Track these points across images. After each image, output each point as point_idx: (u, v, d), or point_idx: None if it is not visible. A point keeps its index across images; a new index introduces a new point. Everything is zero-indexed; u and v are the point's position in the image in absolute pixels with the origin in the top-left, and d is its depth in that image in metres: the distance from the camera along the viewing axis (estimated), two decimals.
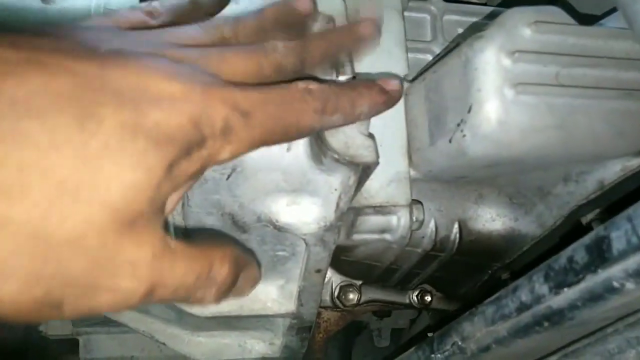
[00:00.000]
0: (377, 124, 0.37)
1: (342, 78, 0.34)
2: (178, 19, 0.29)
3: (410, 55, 0.49)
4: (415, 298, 0.62)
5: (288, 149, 0.39)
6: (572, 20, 0.35)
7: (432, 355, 0.42)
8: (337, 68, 0.34)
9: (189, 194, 0.40)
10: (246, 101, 0.24)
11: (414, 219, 0.44)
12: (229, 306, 0.52)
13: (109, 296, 0.21)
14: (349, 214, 0.44)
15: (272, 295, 0.52)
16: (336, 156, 0.36)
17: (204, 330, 0.60)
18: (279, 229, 0.43)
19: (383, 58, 0.45)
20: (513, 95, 0.32)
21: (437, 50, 0.51)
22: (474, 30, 0.37)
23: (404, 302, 0.62)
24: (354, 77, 0.34)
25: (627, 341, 0.26)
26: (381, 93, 0.30)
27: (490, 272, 0.53)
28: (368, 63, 0.44)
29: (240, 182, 0.40)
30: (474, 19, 0.51)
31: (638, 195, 0.35)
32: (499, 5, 0.54)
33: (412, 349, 0.48)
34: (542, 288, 0.27)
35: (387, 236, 0.46)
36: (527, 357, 0.34)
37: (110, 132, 0.20)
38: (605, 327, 0.27)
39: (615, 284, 0.23)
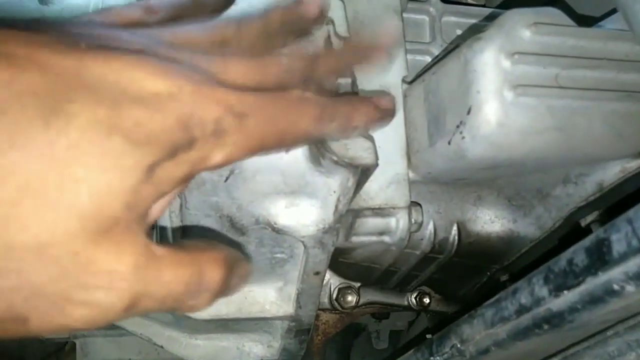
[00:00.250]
0: None
1: (341, 81, 0.33)
2: (179, 17, 0.27)
3: (409, 56, 0.49)
4: (413, 300, 0.62)
5: (286, 151, 0.38)
6: (571, 22, 0.35)
7: (431, 358, 0.42)
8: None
9: (187, 196, 0.39)
10: (241, 103, 0.22)
11: (413, 221, 0.44)
12: (227, 309, 0.52)
13: (84, 311, 0.19)
14: (348, 216, 0.44)
15: (271, 297, 0.52)
16: (335, 158, 0.36)
17: (201, 333, 0.60)
18: (278, 231, 0.43)
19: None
20: (512, 97, 0.32)
21: (436, 51, 0.51)
22: (473, 32, 0.37)
23: (402, 304, 0.62)
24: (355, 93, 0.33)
25: (627, 344, 0.25)
26: (376, 109, 0.29)
27: (489, 274, 0.53)
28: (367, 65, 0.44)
29: (238, 184, 0.39)
30: (473, 21, 0.51)
31: (638, 197, 0.35)
32: (498, 6, 0.54)
33: (410, 352, 0.47)
34: (542, 290, 0.27)
35: (386, 238, 0.46)
36: (526, 359, 0.34)
37: (80, 130, 0.18)
38: (605, 330, 0.27)
39: (616, 287, 0.22)
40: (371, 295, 0.61)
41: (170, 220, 0.41)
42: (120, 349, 0.69)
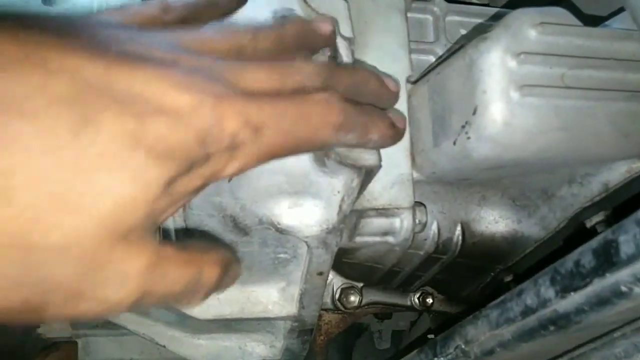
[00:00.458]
0: None
1: None
2: (193, 16, 0.28)
3: (413, 56, 0.49)
4: (416, 300, 0.61)
5: None
6: (577, 22, 0.35)
7: (435, 359, 0.42)
8: None
9: None
10: (259, 115, 0.23)
11: (417, 221, 0.44)
12: (230, 309, 0.52)
13: (94, 305, 0.21)
14: (352, 216, 0.44)
15: (274, 298, 0.52)
16: (339, 159, 0.36)
17: (204, 333, 0.60)
18: (281, 232, 0.43)
19: (386, 59, 0.45)
20: (519, 97, 0.32)
21: (440, 51, 0.50)
22: (478, 32, 0.36)
23: (405, 304, 0.62)
24: None
25: (634, 345, 0.25)
26: (391, 127, 0.30)
27: (492, 274, 0.53)
28: (371, 65, 0.44)
29: (242, 184, 0.39)
30: (477, 20, 0.51)
31: None
32: (502, 6, 0.54)
33: (414, 352, 0.47)
34: (548, 292, 0.27)
35: (390, 238, 0.45)
36: None
37: (108, 141, 0.19)
38: (612, 332, 0.26)
39: (624, 288, 0.22)
40: (374, 296, 0.61)
41: (173, 221, 0.41)
42: (122, 348, 0.69)
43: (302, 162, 0.38)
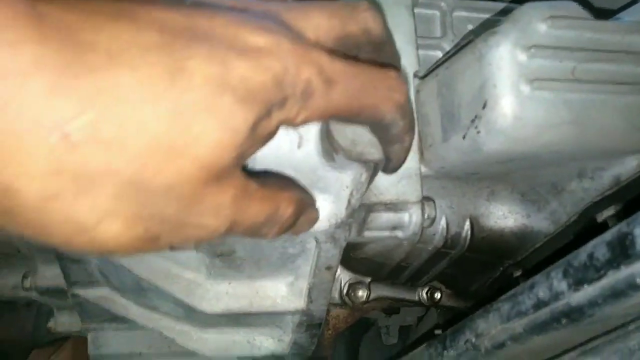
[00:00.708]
0: None
1: None
2: None
3: (421, 51, 0.49)
4: (424, 295, 0.62)
5: (299, 146, 0.38)
6: (587, 15, 0.34)
7: (445, 352, 0.42)
8: None
9: None
10: (332, 68, 0.24)
11: (426, 215, 0.44)
12: (238, 303, 0.52)
13: (197, 231, 0.24)
14: (360, 211, 0.44)
15: (282, 292, 0.52)
16: (347, 153, 0.36)
17: (212, 327, 0.60)
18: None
19: None
20: (529, 91, 0.32)
21: (447, 46, 0.50)
22: (486, 27, 0.36)
23: (413, 299, 0.62)
24: None
25: None
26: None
27: (501, 269, 0.53)
28: None
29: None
30: (485, 15, 0.51)
31: None
32: (510, 1, 0.54)
33: (423, 346, 0.47)
34: (561, 285, 0.27)
35: (399, 233, 0.45)
36: (542, 354, 0.34)
37: (199, 87, 0.21)
38: (627, 324, 0.26)
39: (639, 281, 0.22)
40: (382, 291, 0.61)
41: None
42: (132, 342, 0.69)
43: (311, 157, 0.38)
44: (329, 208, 0.41)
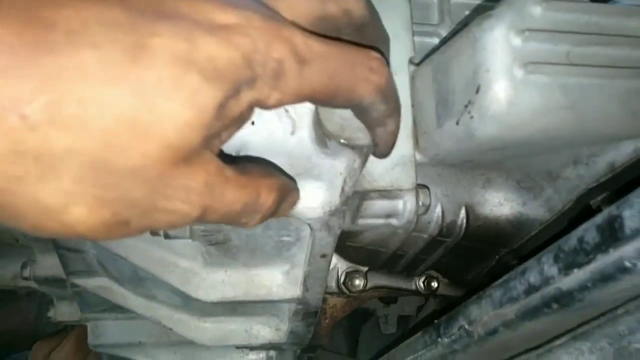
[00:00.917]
0: None
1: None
2: None
3: (418, 38, 0.49)
4: (421, 284, 0.61)
5: (292, 133, 0.38)
6: None
7: (439, 340, 0.42)
8: None
9: None
10: (306, 47, 0.23)
11: (420, 203, 0.44)
12: (234, 291, 0.52)
13: (167, 216, 0.23)
14: (354, 198, 0.44)
15: (278, 280, 0.52)
16: (342, 140, 0.36)
17: (210, 316, 0.60)
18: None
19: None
20: (523, 75, 0.32)
21: (445, 33, 0.50)
22: (481, 12, 0.36)
23: (410, 288, 0.62)
24: None
25: (637, 322, 0.25)
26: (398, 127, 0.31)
27: (497, 257, 0.52)
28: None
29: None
30: (481, 1, 0.50)
31: None
32: None
33: (418, 334, 0.47)
34: (552, 269, 0.27)
35: (393, 221, 0.45)
36: (534, 340, 0.34)
37: (164, 65, 0.20)
38: (615, 309, 0.26)
39: (627, 264, 0.22)
40: (379, 279, 0.61)
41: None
42: (131, 331, 0.70)
43: (304, 144, 0.38)
44: (323, 195, 0.40)
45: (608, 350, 0.27)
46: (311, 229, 0.44)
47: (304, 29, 0.24)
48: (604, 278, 0.24)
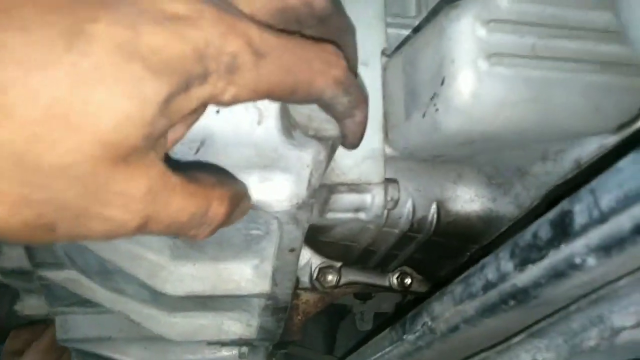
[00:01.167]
0: None
1: None
2: None
3: (395, 30, 0.48)
4: (395, 280, 0.61)
5: (259, 123, 0.37)
6: None
7: (404, 336, 0.41)
8: None
9: None
10: (262, 41, 0.22)
11: (389, 197, 0.43)
12: (202, 286, 0.51)
13: (102, 225, 0.21)
14: (322, 191, 0.43)
15: (247, 275, 0.51)
16: (307, 130, 0.35)
17: (179, 311, 0.59)
18: (252, 207, 0.42)
19: (361, 30, 0.43)
20: (487, 67, 0.31)
21: None
22: (450, 1, 0.35)
23: (384, 284, 0.62)
24: None
25: (589, 319, 0.25)
26: (367, 116, 0.30)
27: (468, 254, 0.52)
28: None
29: (209, 156, 0.38)
30: None
31: None
32: None
33: (386, 330, 0.47)
34: (508, 265, 0.26)
35: (362, 215, 0.45)
36: (495, 337, 0.34)
37: (102, 52, 0.18)
38: (569, 306, 0.26)
39: (577, 260, 0.22)
40: (352, 275, 0.61)
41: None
42: (101, 326, 0.68)
43: (271, 135, 0.37)
44: (290, 188, 0.40)
45: (563, 347, 0.27)
46: (279, 222, 0.43)
47: (260, 23, 0.23)
48: (557, 275, 0.23)
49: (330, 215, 0.45)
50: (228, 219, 0.26)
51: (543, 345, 0.28)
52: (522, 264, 0.25)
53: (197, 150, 0.38)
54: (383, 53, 0.44)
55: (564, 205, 0.22)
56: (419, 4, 0.51)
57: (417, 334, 0.38)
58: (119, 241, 0.52)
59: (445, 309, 0.34)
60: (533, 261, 0.24)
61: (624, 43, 0.32)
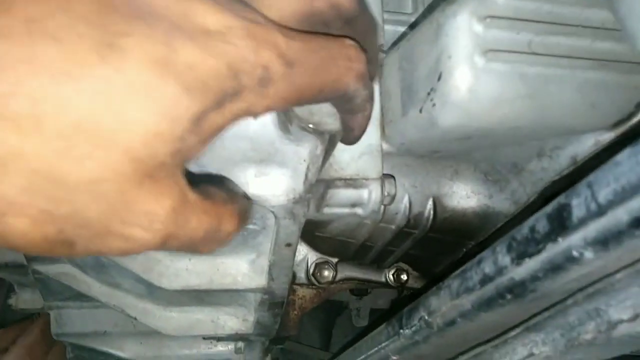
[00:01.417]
0: None
1: None
2: None
3: (392, 27, 0.48)
4: (391, 276, 0.61)
5: (255, 117, 0.37)
6: None
7: (401, 331, 0.41)
8: None
9: None
10: (289, 48, 0.22)
11: (386, 193, 0.43)
12: (198, 280, 0.51)
13: (121, 243, 0.20)
14: (319, 186, 0.43)
15: (243, 269, 0.51)
16: (303, 125, 0.35)
17: (175, 305, 0.59)
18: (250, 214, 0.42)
19: None
20: (484, 63, 0.31)
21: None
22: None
23: (380, 280, 0.62)
24: None
25: (586, 313, 0.25)
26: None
27: (464, 250, 0.52)
28: None
29: (206, 150, 0.38)
30: None
31: None
32: None
33: (383, 325, 0.47)
34: (505, 259, 0.27)
35: (359, 210, 0.45)
36: (491, 331, 0.34)
37: (136, 68, 0.18)
38: (566, 299, 0.26)
39: (575, 253, 0.22)
40: (349, 271, 0.61)
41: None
42: (96, 320, 0.68)
43: (267, 129, 0.37)
44: (286, 182, 0.40)
45: (560, 341, 0.27)
46: (275, 217, 0.43)
47: (285, 27, 0.23)
48: (554, 268, 0.23)
49: (327, 210, 0.45)
50: (235, 235, 0.26)
51: (540, 339, 0.29)
52: (519, 257, 0.25)
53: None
54: (380, 49, 0.44)
55: (561, 198, 0.22)
56: (416, 1, 0.51)
57: (413, 328, 0.39)
58: None
59: (442, 303, 0.34)
60: (530, 255, 0.24)
61: (620, 40, 0.32)
